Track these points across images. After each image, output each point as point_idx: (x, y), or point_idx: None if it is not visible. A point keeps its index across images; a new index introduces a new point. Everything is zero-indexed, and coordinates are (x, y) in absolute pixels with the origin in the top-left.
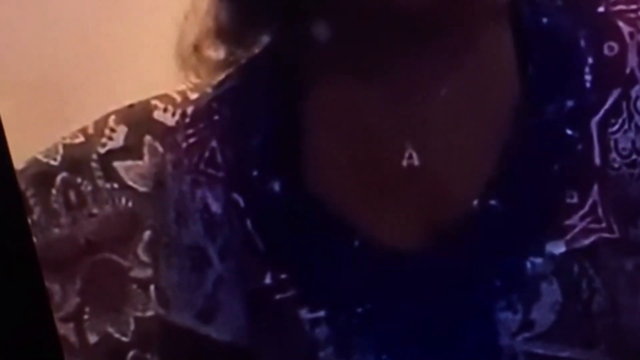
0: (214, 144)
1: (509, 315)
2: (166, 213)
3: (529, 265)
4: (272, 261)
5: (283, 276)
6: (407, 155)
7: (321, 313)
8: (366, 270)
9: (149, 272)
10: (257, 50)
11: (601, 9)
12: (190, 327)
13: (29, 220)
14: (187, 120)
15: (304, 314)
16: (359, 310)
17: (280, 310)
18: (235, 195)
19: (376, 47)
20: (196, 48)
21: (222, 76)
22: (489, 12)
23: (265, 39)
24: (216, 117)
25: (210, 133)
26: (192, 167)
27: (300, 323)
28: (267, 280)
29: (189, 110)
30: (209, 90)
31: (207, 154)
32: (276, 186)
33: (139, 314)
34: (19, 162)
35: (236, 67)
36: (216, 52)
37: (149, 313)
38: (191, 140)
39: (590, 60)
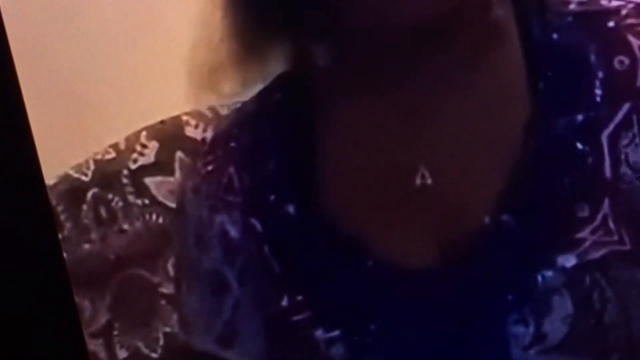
0: (231, 170)
1: (521, 329)
2: (186, 238)
3: (540, 278)
4: (288, 284)
5: (299, 298)
6: (420, 174)
7: (336, 332)
8: (380, 289)
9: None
10: (268, 79)
11: (611, 24)
12: (211, 352)
13: (60, 236)
14: (206, 147)
15: (319, 334)
16: (373, 328)
17: (297, 332)
18: (253, 220)
19: (381, 66)
20: (209, 77)
21: (238, 103)
22: (495, 28)
23: (274, 69)
24: (233, 144)
25: (228, 160)
26: (211, 193)
27: (316, 343)
28: (284, 302)
29: (208, 137)
30: (227, 114)
31: (225, 180)
32: (291, 209)
33: (168, 330)
34: (50, 177)
35: (252, 95)
36: (227, 84)
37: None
38: (209, 167)
39: (600, 74)
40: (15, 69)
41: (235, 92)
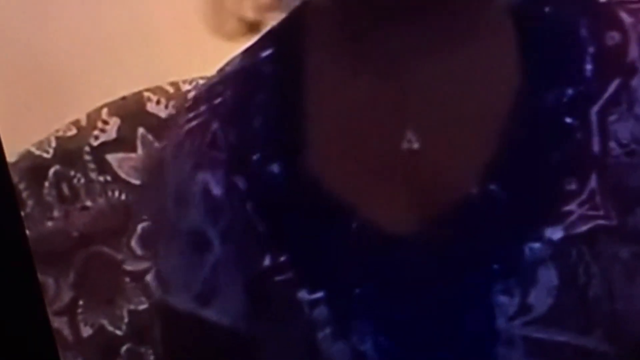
0: (215, 126)
1: (506, 299)
2: (164, 200)
3: (527, 250)
4: (272, 243)
5: (282, 258)
6: (406, 139)
7: (320, 294)
8: (364, 252)
9: (142, 265)
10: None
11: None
12: (189, 311)
13: (22, 214)
14: (189, 103)
15: (303, 295)
16: (358, 291)
17: (279, 292)
18: (236, 178)
19: (371, 28)
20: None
21: (224, 62)
22: None
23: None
24: (219, 100)
25: (212, 116)
26: (194, 149)
27: (299, 304)
28: (267, 262)
29: (190, 94)
30: (200, 82)
31: (209, 137)
32: (275, 168)
33: (132, 307)
34: (11, 154)
35: (239, 52)
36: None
37: (143, 306)
38: (193, 123)
39: (591, 49)
40: None
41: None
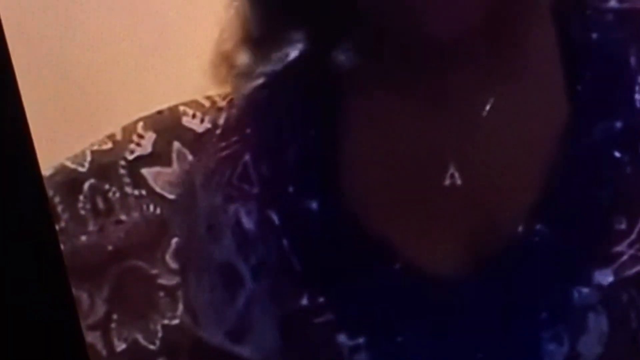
0: (247, 158)
1: (555, 347)
2: (196, 224)
3: (576, 294)
4: (309, 282)
5: (320, 299)
6: (449, 174)
7: (360, 340)
8: (407, 295)
9: (177, 280)
10: (287, 60)
11: None
12: (220, 346)
13: (57, 228)
14: (219, 131)
15: (343, 339)
16: (400, 338)
17: (317, 334)
18: (270, 212)
19: (412, 67)
20: (226, 56)
21: (253, 86)
22: (531, 30)
23: (293, 53)
24: (249, 130)
25: (243, 147)
26: (225, 181)
27: (338, 348)
28: (304, 302)
29: (221, 120)
30: (240, 98)
31: (239, 169)
32: (313, 204)
33: (166, 322)
34: (47, 168)
35: (268, 78)
36: (243, 61)
37: (176, 321)
38: (223, 153)
39: None
40: (11, 59)
41: (247, 77)
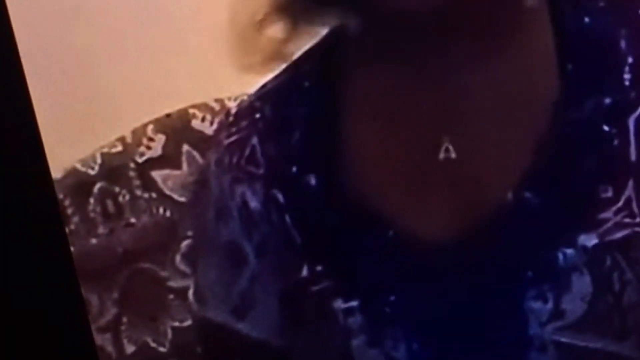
0: (254, 141)
1: (540, 305)
2: (207, 212)
3: (561, 256)
4: (309, 254)
5: (319, 268)
6: (443, 148)
7: (355, 302)
8: (400, 260)
9: (186, 282)
10: (316, 37)
11: None
12: (225, 323)
13: (67, 230)
14: (231, 119)
15: (338, 303)
16: (392, 299)
17: (315, 302)
18: (275, 192)
19: (408, 42)
20: (257, 25)
21: (266, 78)
22: (526, 10)
23: (318, 30)
24: (258, 115)
25: (252, 131)
26: (233, 164)
27: (334, 313)
28: (303, 273)
29: (233, 109)
30: (251, 92)
31: (247, 152)
32: (312, 180)
33: (176, 324)
34: (57, 171)
35: (279, 70)
36: (276, 32)
37: (187, 323)
38: (233, 138)
39: (630, 59)
40: (22, 63)
41: (276, 49)
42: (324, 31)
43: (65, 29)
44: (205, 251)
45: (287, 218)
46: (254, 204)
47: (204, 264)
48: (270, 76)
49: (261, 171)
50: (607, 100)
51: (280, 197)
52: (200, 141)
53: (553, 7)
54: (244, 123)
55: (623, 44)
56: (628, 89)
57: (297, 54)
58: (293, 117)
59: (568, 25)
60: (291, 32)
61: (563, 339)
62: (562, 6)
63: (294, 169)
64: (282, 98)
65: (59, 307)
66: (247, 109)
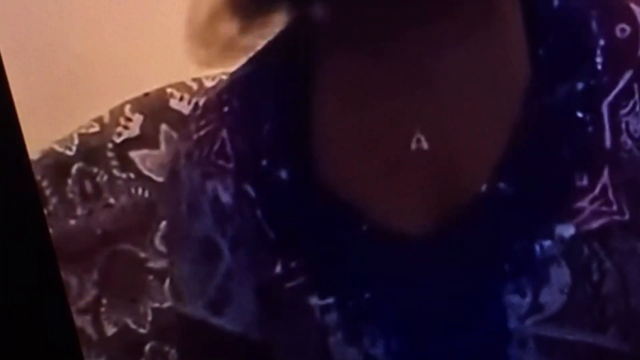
0: (224, 134)
1: (518, 299)
2: (179, 204)
3: (537, 248)
4: (283, 250)
5: (293, 264)
6: (415, 139)
7: (331, 299)
8: (375, 255)
9: (165, 263)
10: (269, 34)
11: None
12: (202, 319)
13: (45, 211)
14: (199, 111)
15: (314, 300)
16: (368, 295)
17: (291, 299)
18: (246, 186)
19: (377, 30)
20: (211, 20)
21: (233, 67)
22: None
23: (275, 20)
24: (226, 108)
25: (221, 124)
26: (203, 158)
27: (310, 310)
28: (278, 269)
29: (201, 101)
30: (223, 78)
31: (217, 145)
32: (284, 174)
33: (156, 305)
34: (34, 152)
35: (246, 58)
36: (230, 26)
37: (167, 304)
38: (202, 132)
39: (601, 42)
40: None
41: (231, 43)
42: (288, 20)
43: (40, 8)
44: (179, 245)
45: (259, 213)
46: (225, 198)
47: (178, 258)
48: (236, 67)
49: (231, 165)
50: (580, 86)
51: (251, 191)
52: (178, 121)
53: None
54: (212, 116)
55: (594, 25)
56: (600, 72)
57: (262, 44)
58: (261, 109)
59: (538, 9)
60: (247, 25)
61: (543, 333)
62: None
63: (264, 162)
64: (249, 90)
65: (38, 289)
66: (215, 101)
